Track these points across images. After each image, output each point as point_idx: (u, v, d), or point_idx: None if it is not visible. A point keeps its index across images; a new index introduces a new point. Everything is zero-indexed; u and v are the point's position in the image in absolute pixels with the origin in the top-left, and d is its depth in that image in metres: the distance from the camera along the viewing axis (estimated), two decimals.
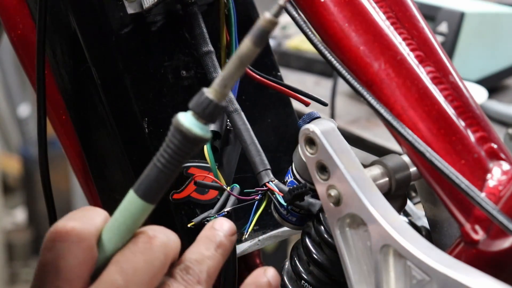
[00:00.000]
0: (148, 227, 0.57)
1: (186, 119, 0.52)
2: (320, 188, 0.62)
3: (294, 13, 0.64)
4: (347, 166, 0.60)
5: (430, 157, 0.58)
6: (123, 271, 0.54)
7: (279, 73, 0.83)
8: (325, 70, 1.69)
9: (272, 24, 0.51)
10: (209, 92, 0.52)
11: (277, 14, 0.51)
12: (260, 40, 0.51)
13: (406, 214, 0.77)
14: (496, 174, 0.59)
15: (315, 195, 0.64)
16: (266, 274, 0.60)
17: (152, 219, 0.58)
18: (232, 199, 0.70)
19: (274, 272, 0.60)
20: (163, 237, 0.57)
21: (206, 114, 0.52)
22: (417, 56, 0.62)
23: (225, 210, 0.70)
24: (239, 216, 0.74)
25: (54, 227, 0.55)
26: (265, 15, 0.51)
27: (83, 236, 0.54)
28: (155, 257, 0.56)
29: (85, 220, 0.55)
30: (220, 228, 0.60)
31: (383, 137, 1.39)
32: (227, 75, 0.52)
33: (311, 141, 0.62)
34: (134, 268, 0.55)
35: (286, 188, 0.67)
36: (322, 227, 0.66)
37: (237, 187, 0.70)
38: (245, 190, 0.70)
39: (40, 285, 0.54)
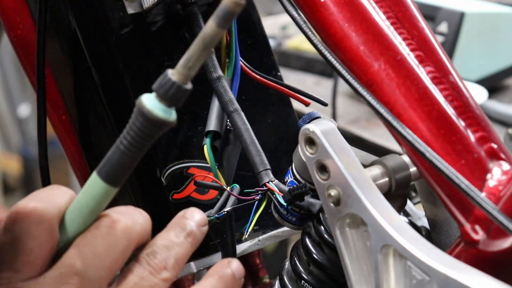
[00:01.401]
0: (113, 209, 0.56)
1: (148, 101, 0.51)
2: (320, 188, 0.62)
3: (294, 13, 0.64)
4: (347, 166, 0.60)
5: (430, 157, 0.58)
6: (83, 255, 0.53)
7: (279, 73, 0.83)
8: (325, 70, 1.69)
9: (237, 5, 0.49)
10: (172, 74, 0.51)
11: None
12: (224, 22, 0.49)
13: (406, 214, 0.77)
14: (496, 174, 0.59)
15: (315, 195, 0.64)
16: (230, 265, 0.58)
17: (153, 219, 0.58)
18: (232, 199, 0.70)
19: (239, 265, 0.59)
20: (128, 221, 0.55)
21: (169, 96, 0.51)
22: (417, 56, 0.62)
23: (225, 210, 0.70)
24: (239, 216, 0.74)
25: (16, 206, 0.53)
26: None
27: (44, 217, 0.53)
28: (117, 241, 0.54)
29: (48, 200, 0.54)
30: (191, 217, 0.59)
31: (383, 137, 1.39)
32: (191, 56, 0.50)
33: (311, 141, 0.62)
34: (94, 253, 0.53)
35: (286, 188, 0.67)
36: (322, 227, 0.66)
37: (237, 187, 0.70)
38: (245, 190, 0.70)
39: None
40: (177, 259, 0.56)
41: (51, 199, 0.54)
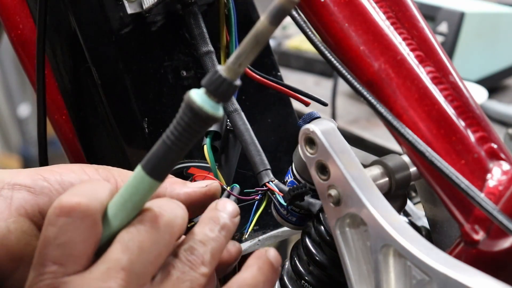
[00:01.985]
0: (154, 202, 0.56)
1: (198, 97, 0.51)
2: (320, 188, 0.62)
3: (294, 13, 0.64)
4: (347, 166, 0.60)
5: (430, 157, 0.58)
6: (129, 250, 0.53)
7: (279, 73, 0.83)
8: (325, 70, 1.69)
9: (290, 3, 0.49)
10: (223, 70, 0.51)
11: None
12: (276, 19, 0.50)
13: (406, 214, 0.77)
14: (496, 174, 0.59)
15: (315, 195, 0.64)
16: (268, 254, 0.60)
17: None
18: (232, 199, 0.70)
19: (276, 253, 0.60)
20: (170, 215, 0.56)
21: (219, 92, 0.51)
22: (417, 56, 0.62)
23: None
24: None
25: (59, 201, 0.53)
26: None
27: (89, 212, 0.53)
28: (161, 236, 0.55)
29: (90, 194, 0.54)
30: (223, 209, 0.60)
31: (383, 137, 1.39)
32: (242, 53, 0.51)
33: (311, 141, 0.62)
34: (139, 247, 0.54)
35: (286, 188, 0.67)
36: (322, 227, 0.66)
37: (237, 187, 0.70)
38: (245, 190, 0.70)
39: (42, 260, 0.53)
40: (213, 254, 0.57)
41: (94, 194, 0.54)
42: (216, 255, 0.58)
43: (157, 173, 0.54)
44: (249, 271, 0.59)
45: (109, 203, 0.55)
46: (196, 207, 0.64)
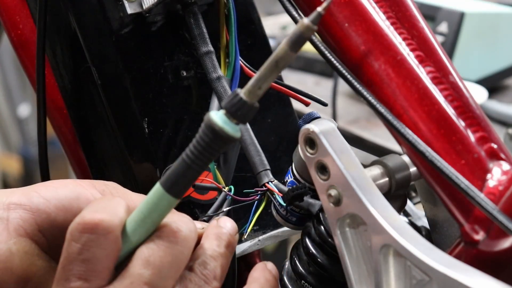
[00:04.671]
0: (171, 218, 0.58)
1: (219, 118, 0.53)
2: (320, 188, 0.62)
3: (294, 13, 0.64)
4: (347, 166, 0.60)
5: (430, 157, 0.58)
6: (150, 265, 0.55)
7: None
8: (325, 70, 1.69)
9: (310, 30, 0.52)
10: (243, 93, 0.54)
11: (315, 21, 0.52)
12: (296, 45, 0.52)
13: (406, 214, 0.77)
14: (496, 174, 0.59)
15: (315, 195, 0.64)
16: (270, 268, 0.64)
17: None
18: (229, 199, 0.70)
19: (274, 266, 0.64)
20: (186, 231, 0.57)
21: (239, 114, 0.53)
22: (417, 56, 0.62)
23: (223, 209, 0.70)
24: (239, 216, 0.74)
25: (81, 218, 0.55)
26: (304, 21, 0.52)
27: (111, 228, 0.55)
28: (180, 250, 0.57)
29: (110, 211, 0.56)
30: (225, 226, 0.62)
31: (383, 137, 1.39)
32: (262, 77, 0.53)
33: (311, 141, 0.61)
34: (160, 262, 0.55)
35: (285, 188, 0.67)
36: (322, 227, 0.66)
37: (231, 188, 0.71)
38: (244, 191, 0.70)
39: (66, 276, 0.54)
40: (222, 268, 0.60)
41: (114, 210, 0.56)
42: (224, 270, 0.61)
43: (176, 191, 0.56)
44: (257, 284, 0.62)
45: (128, 219, 0.57)
46: None
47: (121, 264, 0.56)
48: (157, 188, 0.56)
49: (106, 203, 0.57)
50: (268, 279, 0.63)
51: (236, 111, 0.53)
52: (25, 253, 0.60)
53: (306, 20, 0.52)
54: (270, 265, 0.64)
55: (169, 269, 0.56)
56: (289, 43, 0.52)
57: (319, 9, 0.52)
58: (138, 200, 0.64)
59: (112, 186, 0.65)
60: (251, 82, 0.54)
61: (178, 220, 0.58)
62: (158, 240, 0.56)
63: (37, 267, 0.60)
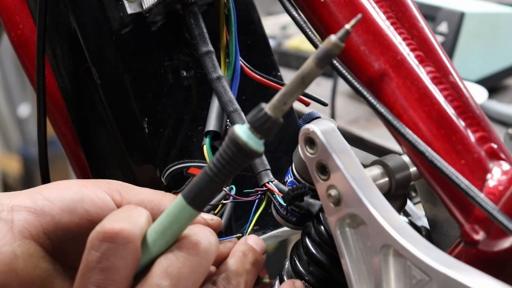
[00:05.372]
0: (191, 230, 0.58)
1: (243, 133, 0.53)
2: (320, 188, 0.62)
3: (294, 13, 0.64)
4: (347, 166, 0.60)
5: (430, 157, 0.58)
6: (169, 276, 0.55)
7: (279, 73, 0.83)
8: (325, 70, 1.69)
9: (337, 47, 0.52)
10: (268, 108, 0.53)
11: (342, 38, 0.52)
12: (323, 62, 0.52)
13: (406, 214, 0.77)
14: (496, 174, 0.59)
15: (315, 195, 0.64)
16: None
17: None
18: (230, 199, 0.70)
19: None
20: (206, 243, 0.58)
21: (263, 129, 0.53)
22: (417, 56, 0.62)
23: (222, 201, 0.70)
24: (239, 216, 0.74)
25: (102, 227, 0.55)
26: (331, 38, 0.52)
27: (131, 238, 0.55)
28: (199, 263, 0.57)
29: (131, 221, 0.56)
30: (255, 244, 0.64)
31: (383, 137, 1.39)
32: (288, 92, 0.53)
33: (311, 141, 0.61)
34: (179, 273, 0.56)
35: (285, 188, 0.67)
36: (322, 227, 0.66)
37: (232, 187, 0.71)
38: (244, 191, 0.70)
39: (85, 283, 0.54)
40: (247, 285, 0.61)
41: (135, 220, 0.56)
42: (249, 287, 0.61)
43: (198, 204, 0.56)
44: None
45: (148, 229, 0.57)
46: None
47: (140, 274, 0.56)
48: (179, 200, 0.56)
49: (127, 212, 0.57)
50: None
51: (260, 126, 0.53)
52: (30, 256, 0.60)
53: (333, 38, 0.52)
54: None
55: (187, 281, 0.56)
56: (316, 60, 0.52)
57: (347, 26, 0.52)
58: (145, 194, 0.64)
59: (116, 184, 0.65)
60: (276, 97, 0.53)
61: (199, 232, 0.58)
62: (177, 251, 0.57)
63: (42, 270, 0.60)
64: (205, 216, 0.66)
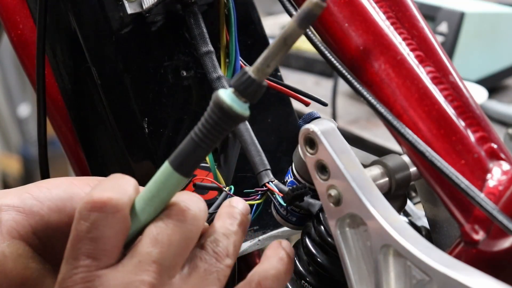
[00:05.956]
0: (179, 197, 0.58)
1: (228, 97, 0.53)
2: (320, 188, 0.62)
3: (294, 13, 0.64)
4: (347, 166, 0.60)
5: (430, 157, 0.58)
6: (158, 244, 0.55)
7: (279, 73, 0.83)
8: (325, 70, 1.69)
9: (319, 7, 0.51)
10: (251, 71, 0.53)
11: None
12: (305, 22, 0.51)
13: (406, 214, 0.77)
14: (496, 174, 0.59)
15: (315, 195, 0.64)
16: (284, 246, 0.62)
17: None
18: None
19: (288, 243, 0.63)
20: (195, 209, 0.57)
21: (247, 92, 0.53)
22: (417, 56, 0.62)
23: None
24: None
25: (90, 196, 0.54)
26: None
27: (119, 207, 0.54)
28: (189, 229, 0.56)
29: (119, 190, 0.55)
30: (237, 205, 0.62)
31: (383, 137, 1.39)
32: (270, 54, 0.52)
33: (311, 141, 0.61)
34: (169, 241, 0.55)
35: (285, 188, 0.67)
36: (322, 227, 0.66)
37: (232, 187, 0.71)
38: (244, 190, 0.70)
39: (75, 254, 0.54)
40: (235, 246, 0.60)
41: (122, 188, 0.56)
42: (237, 248, 0.60)
43: (185, 170, 0.55)
44: (270, 262, 0.61)
45: (136, 197, 0.57)
46: None
47: (130, 243, 0.56)
48: (165, 166, 0.56)
49: (115, 181, 0.57)
50: (281, 257, 0.61)
51: (244, 89, 0.53)
52: (19, 256, 0.60)
53: None
54: (284, 242, 0.63)
55: (177, 248, 0.55)
56: (297, 20, 0.51)
57: None
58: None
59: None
60: (259, 60, 0.53)
61: (187, 199, 0.58)
62: (166, 218, 0.56)
63: (31, 270, 0.60)
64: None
